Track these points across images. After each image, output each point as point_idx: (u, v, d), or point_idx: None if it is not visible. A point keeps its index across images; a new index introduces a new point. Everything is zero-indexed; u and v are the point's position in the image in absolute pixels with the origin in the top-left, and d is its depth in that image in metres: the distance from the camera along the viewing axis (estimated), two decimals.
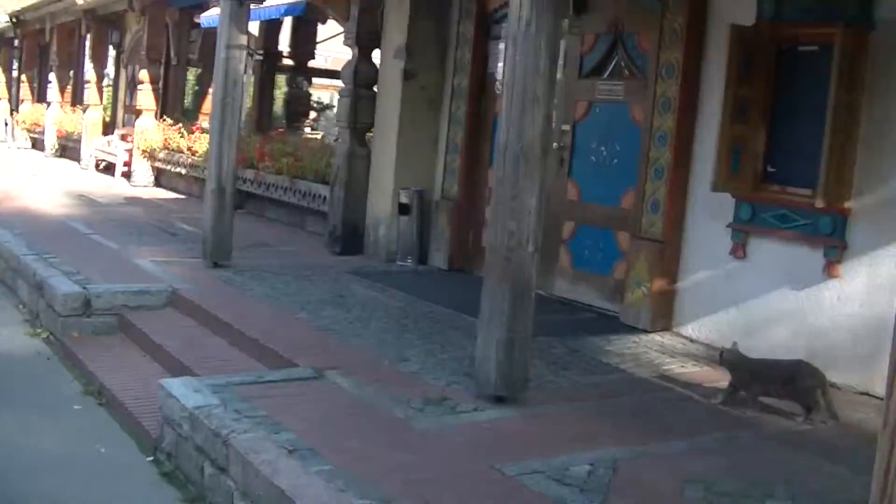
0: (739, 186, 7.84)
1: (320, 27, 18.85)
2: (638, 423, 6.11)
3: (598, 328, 8.54)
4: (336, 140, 13.14)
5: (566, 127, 9.57)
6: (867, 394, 7.09)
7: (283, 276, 9.88)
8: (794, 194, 7.62)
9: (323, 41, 19.74)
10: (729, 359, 6.77)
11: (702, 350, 8.02)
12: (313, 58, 19.99)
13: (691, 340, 8.21)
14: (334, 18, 12.37)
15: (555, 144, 9.53)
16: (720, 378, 7.18)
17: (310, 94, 21.64)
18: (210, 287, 9.33)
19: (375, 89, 11.40)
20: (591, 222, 9.33)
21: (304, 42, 19.22)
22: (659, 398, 6.74)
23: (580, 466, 5.24)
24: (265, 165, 14.34)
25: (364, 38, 11.33)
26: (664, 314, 8.45)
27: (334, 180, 11.47)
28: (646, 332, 8.40)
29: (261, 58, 18.35)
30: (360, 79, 11.31)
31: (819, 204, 7.11)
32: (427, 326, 8.19)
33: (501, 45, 10.16)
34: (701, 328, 8.23)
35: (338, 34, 15.30)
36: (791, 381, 6.53)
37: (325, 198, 12.49)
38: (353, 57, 11.47)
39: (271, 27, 18.32)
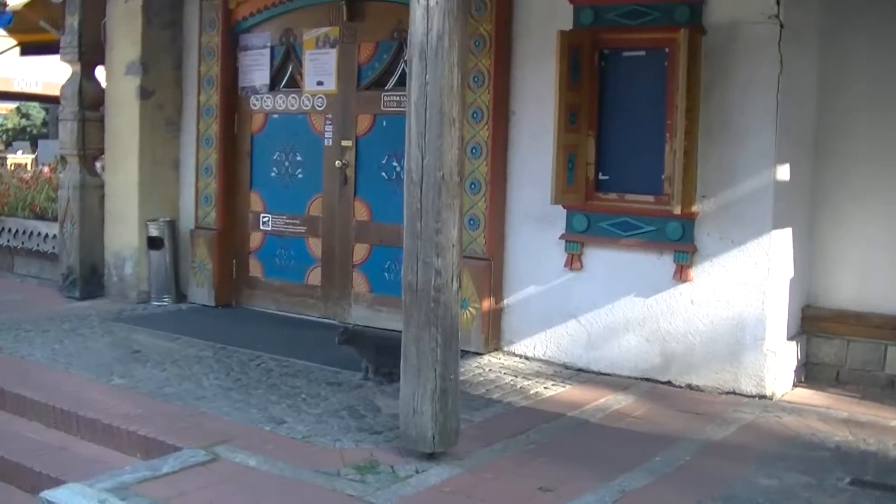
0: (575, 197, 7.67)
1: None
2: (578, 460, 5.80)
3: None
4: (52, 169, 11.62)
5: (347, 143, 8.98)
6: (734, 392, 7.21)
7: (45, 333, 8.50)
8: (634, 201, 7.56)
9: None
10: (349, 338, 7.23)
11: (546, 368, 7.83)
12: None
13: (527, 358, 8.01)
14: (47, 30, 10.80)
15: (337, 163, 8.98)
16: (591, 397, 7.10)
17: None
18: None
19: (102, 110, 10.17)
20: (388, 243, 8.77)
21: None
22: (562, 427, 6.45)
23: None
24: None
25: (87, 52, 9.99)
26: (494, 334, 8.14)
27: (63, 216, 10.04)
28: (479, 354, 8.06)
29: None
30: (87, 99, 9.97)
31: (675, 210, 7.09)
32: (261, 376, 7.33)
33: (252, 58, 9.53)
34: (536, 345, 8.00)
35: (10, 48, 13.48)
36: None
37: (45, 235, 11.02)
38: (73, 74, 10.09)
39: None
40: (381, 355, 7.12)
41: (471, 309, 8.05)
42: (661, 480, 5.49)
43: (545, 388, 7.28)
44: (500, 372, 7.63)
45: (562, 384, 7.42)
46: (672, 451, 5.96)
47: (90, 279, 10.09)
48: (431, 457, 5.66)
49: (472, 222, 8.07)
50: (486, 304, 8.01)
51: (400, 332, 5.75)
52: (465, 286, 8.00)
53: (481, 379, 7.45)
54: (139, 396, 6.77)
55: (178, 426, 6.15)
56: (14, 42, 13.68)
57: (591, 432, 6.38)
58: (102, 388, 6.96)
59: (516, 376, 7.55)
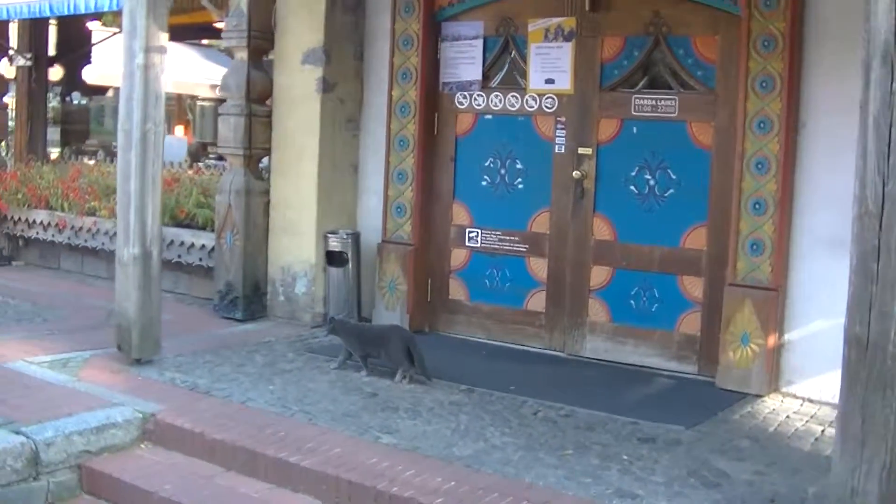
0: None
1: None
2: None
3: (707, 399, 6.99)
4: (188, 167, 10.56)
5: (586, 150, 7.86)
6: None
7: (241, 368, 7.27)
8: None
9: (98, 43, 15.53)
10: (336, 327, 7.36)
11: None
12: (89, 62, 16.09)
13: (811, 401, 6.98)
14: (208, 9, 9.46)
15: (575, 173, 7.87)
16: None
17: (88, 110, 17.54)
18: (182, 400, 6.52)
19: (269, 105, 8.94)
20: (636, 266, 7.72)
21: (77, 43, 15.28)
22: None
23: None
24: (72, 203, 10.94)
25: (257, 38, 8.70)
26: (775, 374, 7.12)
27: (223, 225, 8.75)
28: (758, 396, 7.03)
29: (29, 63, 13.25)
30: (255, 91, 8.70)
31: None
32: (551, 430, 6.15)
33: (459, 49, 8.44)
34: (822, 387, 6.89)
35: (114, 34, 12.00)
36: (384, 342, 7.18)
37: (189, 245, 9.70)
38: (238, 62, 8.80)
39: (36, 23, 13.20)
40: (358, 343, 7.33)
41: (752, 345, 7.02)
42: None
43: None
44: (800, 419, 6.60)
45: None
46: None
47: (253, 298, 8.82)
48: None
49: (755, 247, 7.04)
50: (771, 340, 6.99)
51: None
52: (747, 319, 7.08)
53: (792, 430, 6.41)
54: (430, 462, 5.54)
55: None
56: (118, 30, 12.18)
57: None
58: (375, 450, 5.71)
59: (821, 424, 6.52)
